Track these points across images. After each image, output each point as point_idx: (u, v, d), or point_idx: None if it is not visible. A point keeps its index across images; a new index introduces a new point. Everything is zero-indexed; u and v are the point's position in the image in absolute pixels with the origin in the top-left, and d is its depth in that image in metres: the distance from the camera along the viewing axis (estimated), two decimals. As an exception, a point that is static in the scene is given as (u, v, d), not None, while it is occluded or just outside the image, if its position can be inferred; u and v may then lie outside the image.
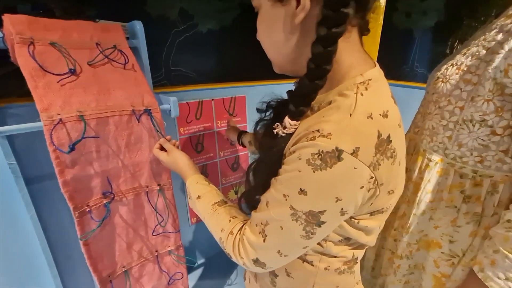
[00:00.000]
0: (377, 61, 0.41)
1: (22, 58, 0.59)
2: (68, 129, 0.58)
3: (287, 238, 0.39)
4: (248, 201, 0.49)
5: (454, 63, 0.56)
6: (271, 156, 0.41)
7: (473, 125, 0.51)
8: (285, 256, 0.41)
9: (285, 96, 0.45)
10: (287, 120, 0.39)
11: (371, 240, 0.45)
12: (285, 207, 0.37)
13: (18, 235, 0.77)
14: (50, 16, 0.70)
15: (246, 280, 0.65)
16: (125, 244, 0.73)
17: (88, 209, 0.64)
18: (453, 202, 0.57)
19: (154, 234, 0.76)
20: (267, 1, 0.39)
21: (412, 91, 1.37)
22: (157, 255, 0.80)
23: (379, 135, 0.34)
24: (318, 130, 0.34)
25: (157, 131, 0.70)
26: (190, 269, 1.23)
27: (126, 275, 0.75)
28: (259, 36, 0.44)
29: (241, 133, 0.91)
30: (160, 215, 0.76)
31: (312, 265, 0.46)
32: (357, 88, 0.36)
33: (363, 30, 0.39)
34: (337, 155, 0.32)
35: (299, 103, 0.39)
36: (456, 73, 0.54)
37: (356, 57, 0.39)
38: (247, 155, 1.25)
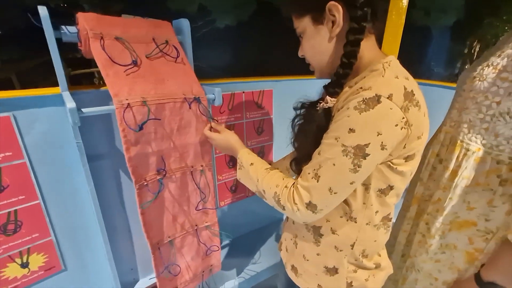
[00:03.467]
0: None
1: (96, 51, 0.69)
2: (134, 112, 0.68)
3: (338, 173, 0.49)
4: (297, 170, 0.59)
5: (489, 64, 0.63)
6: (313, 126, 0.54)
7: (510, 117, 0.59)
8: (335, 193, 0.50)
9: (310, 92, 0.63)
10: (327, 97, 0.53)
11: (401, 190, 0.56)
12: (337, 147, 0.48)
13: (77, 205, 0.88)
14: (78, 10, 0.79)
15: (283, 250, 0.74)
16: (171, 216, 0.83)
17: (145, 183, 0.74)
18: (490, 186, 0.64)
19: (197, 209, 0.86)
20: (311, 25, 0.55)
21: (430, 89, 1.42)
22: (196, 229, 0.90)
23: (405, 88, 0.47)
24: (361, 88, 0.48)
25: (209, 117, 0.80)
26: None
27: (171, 245, 0.85)
28: (304, 52, 0.60)
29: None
30: (202, 192, 0.86)
31: (356, 221, 0.55)
32: (383, 64, 0.50)
33: (378, 36, 0.56)
34: (377, 99, 0.45)
35: (336, 85, 0.53)
36: (493, 73, 0.61)
37: (375, 53, 0.55)
38: (272, 145, 1.33)
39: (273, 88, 1.24)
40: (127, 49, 0.73)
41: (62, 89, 0.73)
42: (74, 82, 0.83)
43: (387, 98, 0.45)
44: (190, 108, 0.77)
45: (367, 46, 0.54)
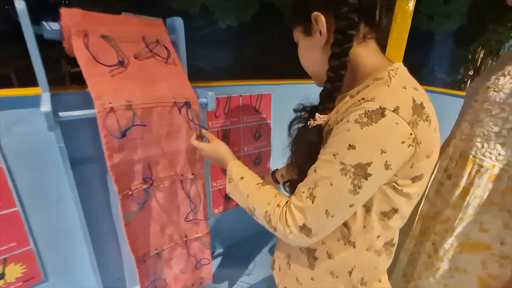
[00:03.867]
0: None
1: (78, 49, 0.64)
2: (118, 117, 0.63)
3: (336, 194, 0.43)
4: (292, 191, 0.53)
5: (505, 73, 0.58)
6: (305, 144, 0.50)
7: None
8: (332, 216, 0.44)
9: (311, 96, 0.59)
10: (317, 114, 0.49)
11: (407, 213, 0.50)
12: (335, 165, 0.42)
13: (60, 213, 0.83)
14: (78, 7, 0.75)
15: (276, 269, 0.69)
16: (159, 227, 0.78)
17: (130, 193, 0.69)
18: (506, 206, 0.59)
19: (186, 220, 0.81)
20: (302, 36, 0.52)
21: (433, 96, 1.37)
22: (186, 240, 0.85)
23: (413, 100, 0.41)
24: (363, 98, 0.42)
25: (196, 123, 0.74)
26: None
27: (158, 257, 0.80)
28: (301, 61, 0.57)
29: (274, 172, 0.93)
30: (193, 202, 0.80)
31: (354, 246, 0.50)
32: (389, 72, 0.44)
33: (380, 40, 0.50)
34: (381, 112, 0.39)
35: (326, 100, 0.49)
36: (510, 83, 0.55)
37: (379, 59, 0.49)
38: (270, 151, 1.28)
39: (272, 91, 1.18)
40: (114, 48, 0.68)
41: (42, 90, 0.68)
42: (74, 81, 0.78)
43: (393, 111, 0.39)
44: (180, 113, 0.71)
45: (367, 52, 0.49)
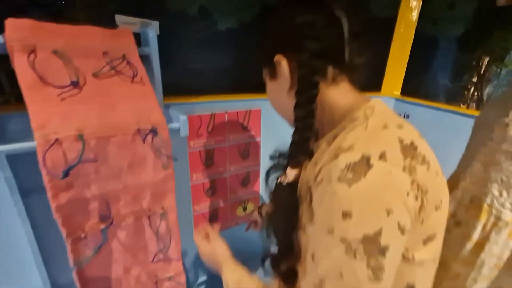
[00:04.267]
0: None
1: (20, 68, 0.54)
2: (65, 150, 0.53)
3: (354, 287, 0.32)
4: (275, 268, 0.46)
5: None
6: (280, 209, 0.44)
7: None
8: None
9: None
10: (288, 169, 0.43)
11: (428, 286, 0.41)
12: (336, 246, 0.32)
13: (11, 249, 0.73)
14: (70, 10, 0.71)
15: None
16: (122, 270, 0.68)
17: (83, 235, 0.59)
18: None
19: (154, 261, 0.70)
20: (267, 79, 0.48)
21: (438, 114, 1.26)
22: (156, 281, 0.75)
23: (400, 141, 0.34)
24: (338, 148, 0.35)
25: (163, 153, 0.64)
26: (192, 285, 1.17)
27: (121, 303, 0.69)
28: (271, 103, 0.53)
29: (260, 207, 0.85)
30: (161, 241, 0.70)
31: None
32: (364, 112, 0.39)
33: (353, 80, 0.44)
34: (366, 161, 0.32)
35: (295, 153, 0.44)
36: None
37: (352, 98, 0.43)
38: (259, 171, 1.18)
39: (261, 107, 1.08)
40: (67, 66, 0.58)
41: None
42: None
43: (379, 158, 0.32)
44: (144, 141, 0.61)
45: (340, 92, 0.43)
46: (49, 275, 0.74)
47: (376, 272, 0.31)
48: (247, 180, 1.16)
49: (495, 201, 0.52)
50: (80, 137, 0.54)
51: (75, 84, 0.58)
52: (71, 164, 0.52)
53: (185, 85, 0.96)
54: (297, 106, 0.42)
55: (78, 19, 0.80)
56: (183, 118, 0.67)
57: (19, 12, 0.73)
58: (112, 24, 0.78)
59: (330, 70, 0.41)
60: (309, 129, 0.42)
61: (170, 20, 0.89)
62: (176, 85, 0.94)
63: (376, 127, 0.36)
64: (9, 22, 0.55)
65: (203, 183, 1.04)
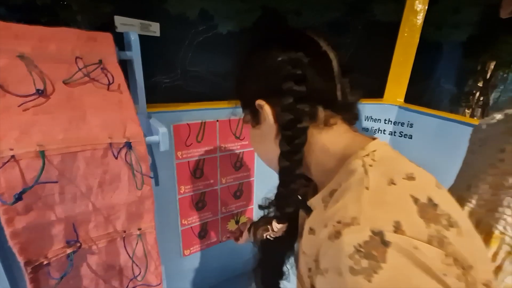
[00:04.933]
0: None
1: (-23, 75, 0.48)
2: (23, 168, 0.46)
3: None
4: None
5: None
6: (268, 261, 0.43)
7: None
8: None
9: None
10: (274, 223, 0.41)
11: None
12: None
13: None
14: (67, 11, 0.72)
15: None
16: (94, 297, 0.61)
17: (45, 262, 0.52)
18: None
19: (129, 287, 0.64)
20: (250, 125, 0.43)
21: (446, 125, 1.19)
22: (133, 308, 0.68)
23: (415, 200, 0.26)
24: (339, 222, 0.27)
25: (137, 171, 0.57)
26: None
27: (92, 333, 0.63)
28: (254, 149, 0.48)
29: (251, 226, 0.76)
30: (137, 265, 0.63)
31: None
32: (363, 161, 0.31)
33: (349, 118, 0.39)
34: (380, 240, 0.24)
35: (281, 207, 0.41)
36: None
37: (348, 141, 0.37)
38: (253, 182, 1.11)
39: (255, 115, 1.02)
40: (33, 73, 0.52)
41: None
42: None
43: (395, 231, 0.24)
44: (117, 157, 0.55)
45: (333, 135, 0.37)
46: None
47: None
48: (239, 192, 1.09)
49: (508, 229, 0.45)
50: (41, 154, 0.47)
51: (40, 93, 0.52)
52: (26, 186, 0.46)
53: (185, 88, 0.95)
54: (281, 157, 0.37)
55: (75, 21, 0.79)
56: (162, 131, 0.60)
57: (14, 14, 0.70)
58: (111, 26, 0.75)
59: (321, 112, 0.36)
60: (295, 181, 0.38)
61: (169, 22, 0.87)
62: (175, 88, 0.93)
63: (380, 184, 0.28)
64: (-32, 23, 0.49)
65: (191, 196, 0.97)
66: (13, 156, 0.45)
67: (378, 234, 0.24)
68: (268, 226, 0.42)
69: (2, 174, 0.44)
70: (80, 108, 0.55)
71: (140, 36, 0.70)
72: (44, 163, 0.47)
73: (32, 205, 0.49)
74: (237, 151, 1.03)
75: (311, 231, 0.36)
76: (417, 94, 1.45)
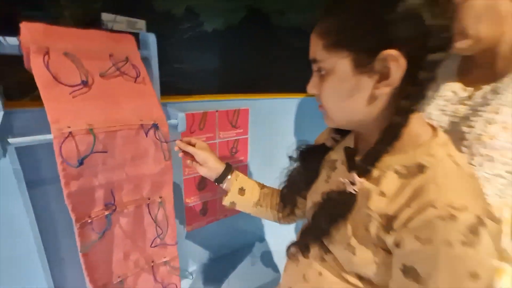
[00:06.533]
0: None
1: (37, 68, 0.59)
2: (77, 142, 0.59)
3: None
4: (303, 240, 0.51)
5: (490, 121, 0.57)
6: (337, 206, 0.43)
7: None
8: None
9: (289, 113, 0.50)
10: (356, 177, 0.41)
11: None
12: None
13: (16, 238, 0.77)
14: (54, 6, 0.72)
15: None
16: (123, 254, 0.74)
17: (89, 220, 0.65)
18: None
19: (152, 246, 0.77)
20: (349, 69, 0.39)
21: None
22: (153, 266, 0.81)
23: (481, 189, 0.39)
24: (451, 206, 0.34)
25: (162, 147, 0.71)
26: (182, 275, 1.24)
27: (121, 285, 0.76)
28: (322, 96, 0.44)
29: (229, 170, 0.71)
30: (159, 227, 0.77)
31: None
32: (444, 149, 0.39)
33: None
34: (480, 222, 0.33)
35: (369, 162, 0.42)
36: (502, 131, 0.55)
37: (421, 124, 0.42)
38: (246, 166, 1.26)
39: (249, 107, 1.17)
40: (77, 67, 0.64)
41: (-7, 109, 0.63)
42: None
43: (486, 216, 0.34)
44: (147, 135, 0.68)
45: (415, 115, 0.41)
46: (50, 263, 0.79)
47: None
48: (235, 175, 1.24)
49: None
50: (91, 131, 0.60)
51: (85, 83, 0.64)
52: (83, 155, 0.58)
53: (171, 85, 0.95)
54: (398, 113, 0.38)
55: (63, 17, 0.78)
56: (181, 115, 0.74)
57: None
58: (98, 22, 0.74)
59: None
60: (393, 141, 0.40)
61: (156, 19, 0.86)
62: (162, 85, 0.89)
63: (467, 174, 0.37)
64: (24, 26, 0.61)
65: (194, 177, 1.11)
66: (70, 132, 0.58)
67: (479, 218, 0.33)
68: (349, 178, 0.42)
69: (64, 146, 0.57)
70: (115, 96, 0.68)
71: (127, 33, 0.73)
72: (95, 138, 0.60)
73: (82, 172, 0.61)
74: (233, 138, 1.17)
75: (381, 192, 0.40)
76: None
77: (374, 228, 0.40)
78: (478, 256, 0.32)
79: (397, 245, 0.37)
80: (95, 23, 0.75)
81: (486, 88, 0.60)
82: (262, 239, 1.49)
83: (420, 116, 0.43)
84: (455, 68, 0.69)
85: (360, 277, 0.44)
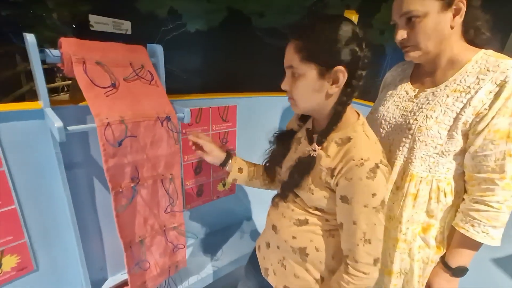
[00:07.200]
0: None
1: (79, 75, 0.79)
2: (113, 130, 0.79)
3: (379, 227, 0.61)
4: (282, 191, 0.75)
5: (428, 116, 0.73)
6: (304, 165, 0.68)
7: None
8: (380, 240, 0.62)
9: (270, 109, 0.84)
10: (316, 147, 0.66)
11: None
12: (371, 213, 0.59)
13: (52, 209, 0.96)
14: (42, 9, 0.79)
15: (270, 275, 0.82)
16: (143, 219, 0.95)
17: (121, 190, 0.85)
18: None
19: (166, 212, 0.98)
20: (315, 76, 0.60)
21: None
22: (164, 230, 1.02)
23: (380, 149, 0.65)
24: (362, 159, 0.58)
25: (178, 132, 0.92)
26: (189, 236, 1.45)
27: (141, 244, 0.96)
28: (292, 92, 0.65)
29: (229, 156, 0.92)
30: (171, 197, 0.98)
31: (333, 237, 0.71)
32: (362, 127, 0.65)
33: None
34: (376, 166, 0.58)
35: (323, 136, 0.66)
36: (436, 124, 0.72)
37: (351, 111, 0.68)
38: (235, 154, 1.49)
39: (237, 104, 1.39)
40: (107, 73, 0.84)
41: (44, 106, 0.81)
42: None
43: (380, 163, 0.59)
44: (162, 125, 0.89)
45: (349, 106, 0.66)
46: (80, 230, 0.98)
47: (381, 213, 0.60)
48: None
49: None
50: (123, 122, 0.81)
51: (114, 86, 0.84)
52: (118, 139, 0.79)
53: None
54: (340, 104, 0.63)
55: (51, 19, 0.86)
56: (186, 110, 0.95)
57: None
58: (85, 24, 0.82)
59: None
60: (337, 123, 0.64)
61: (140, 21, 0.94)
62: None
63: (373, 141, 0.63)
64: (64, 41, 0.80)
65: (192, 163, 1.32)
66: (108, 123, 0.78)
67: (376, 164, 0.58)
68: (311, 147, 0.66)
69: (105, 132, 0.77)
70: (136, 95, 0.88)
71: (113, 34, 0.81)
72: (126, 127, 0.80)
73: (116, 153, 0.81)
74: (224, 131, 1.39)
75: (327, 154, 0.64)
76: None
77: (324, 176, 0.65)
78: (376, 184, 0.58)
79: (337, 184, 0.62)
80: (83, 24, 0.85)
81: (429, 90, 0.75)
82: (249, 218, 1.73)
83: (351, 106, 0.67)
84: (409, 73, 0.85)
85: (317, 208, 0.69)
